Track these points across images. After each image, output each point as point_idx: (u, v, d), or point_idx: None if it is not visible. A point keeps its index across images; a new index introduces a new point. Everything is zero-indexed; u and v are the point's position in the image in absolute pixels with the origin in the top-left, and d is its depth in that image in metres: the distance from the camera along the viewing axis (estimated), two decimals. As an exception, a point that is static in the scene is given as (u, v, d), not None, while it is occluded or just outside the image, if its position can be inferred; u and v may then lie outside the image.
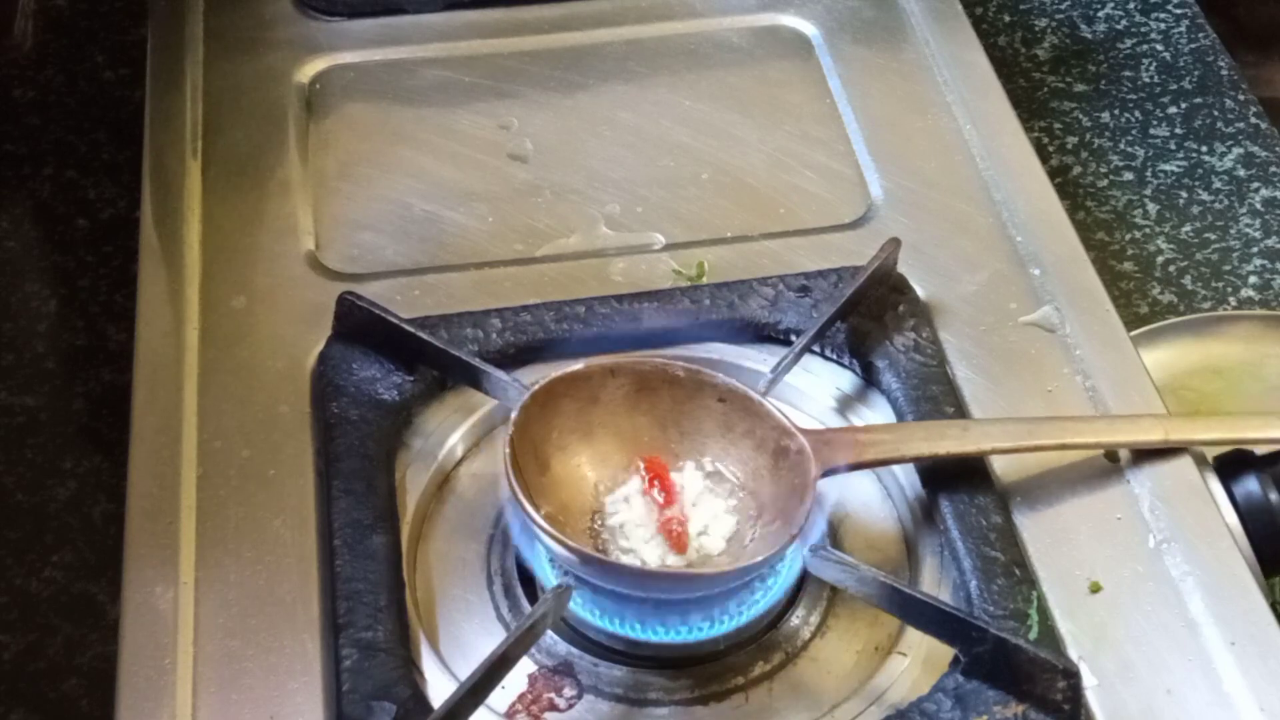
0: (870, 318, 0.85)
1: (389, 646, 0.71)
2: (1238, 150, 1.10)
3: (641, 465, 0.75)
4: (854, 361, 0.84)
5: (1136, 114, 1.12)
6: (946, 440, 0.77)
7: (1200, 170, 1.08)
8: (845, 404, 0.83)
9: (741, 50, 1.05)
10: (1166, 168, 1.09)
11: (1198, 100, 1.13)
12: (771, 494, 0.75)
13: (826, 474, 0.74)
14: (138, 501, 0.78)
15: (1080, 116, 1.12)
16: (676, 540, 0.73)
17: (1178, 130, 1.11)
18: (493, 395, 0.80)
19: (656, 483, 0.74)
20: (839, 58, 1.03)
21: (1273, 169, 1.08)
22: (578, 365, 0.77)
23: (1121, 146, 1.10)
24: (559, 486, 0.75)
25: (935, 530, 0.78)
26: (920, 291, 0.87)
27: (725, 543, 0.73)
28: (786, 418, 0.75)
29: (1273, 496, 0.78)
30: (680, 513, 0.74)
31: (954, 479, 0.78)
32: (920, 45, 1.04)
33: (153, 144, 0.96)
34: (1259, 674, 0.72)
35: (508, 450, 0.72)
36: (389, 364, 0.82)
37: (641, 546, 0.73)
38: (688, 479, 0.75)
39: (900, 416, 0.81)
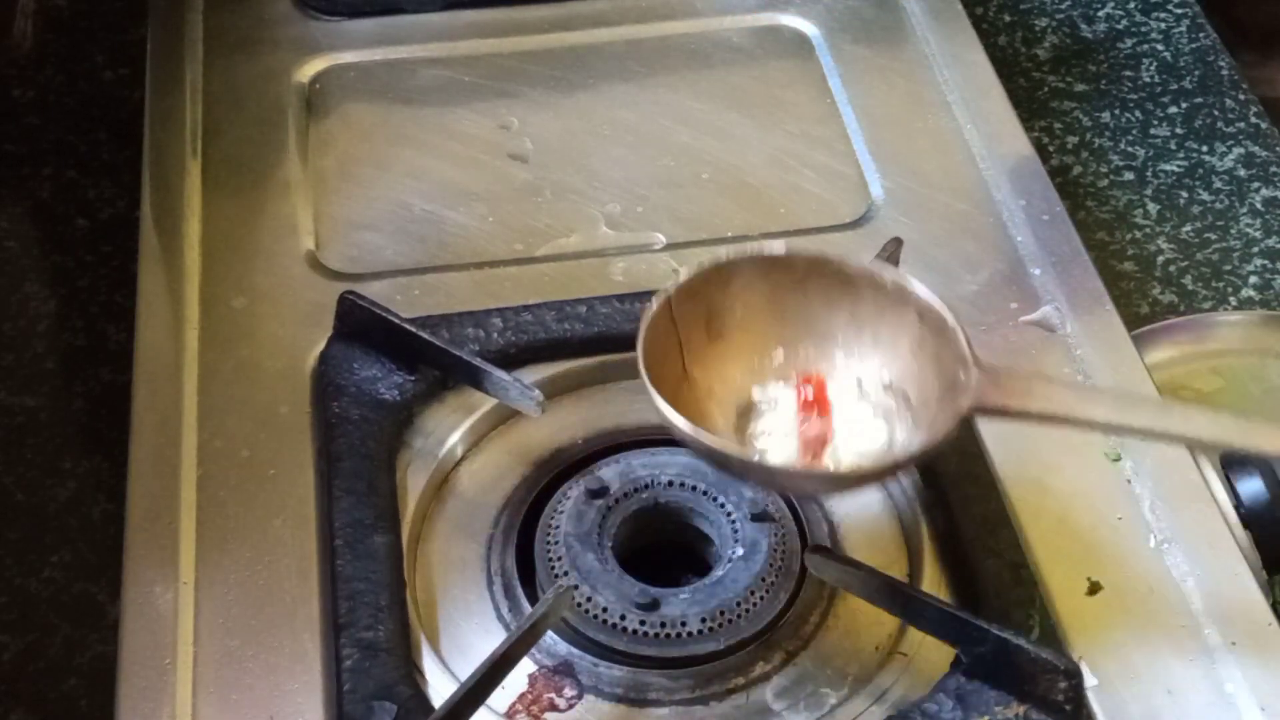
0: (871, 317, 0.84)
1: (390, 646, 0.71)
2: (1238, 150, 1.10)
3: (801, 379, 0.73)
4: (854, 361, 0.84)
5: (1137, 114, 1.12)
6: (1139, 413, 0.69)
7: (1200, 170, 1.08)
8: (846, 404, 0.83)
9: (741, 50, 1.05)
10: (1167, 167, 1.08)
11: (1198, 100, 1.13)
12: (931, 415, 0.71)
13: (980, 412, 0.70)
14: (138, 501, 0.78)
15: (1080, 116, 1.12)
16: (814, 449, 0.71)
17: (1178, 130, 1.11)
18: (494, 395, 0.80)
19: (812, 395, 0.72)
20: (839, 57, 1.03)
21: (1273, 169, 1.08)
22: (781, 251, 0.74)
23: (1122, 146, 1.10)
24: (725, 360, 0.73)
25: (935, 530, 0.78)
26: (921, 291, 0.87)
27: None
28: (970, 347, 0.70)
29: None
30: (828, 427, 0.72)
31: (955, 478, 0.78)
32: (920, 45, 1.04)
33: (153, 144, 0.96)
34: (1259, 674, 0.72)
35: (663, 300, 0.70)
36: (390, 364, 0.82)
37: (778, 440, 0.72)
38: (867, 389, 0.73)
39: (901, 416, 0.81)
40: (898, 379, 0.73)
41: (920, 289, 0.72)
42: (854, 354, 0.74)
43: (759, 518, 0.76)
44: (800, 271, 0.74)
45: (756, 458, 0.70)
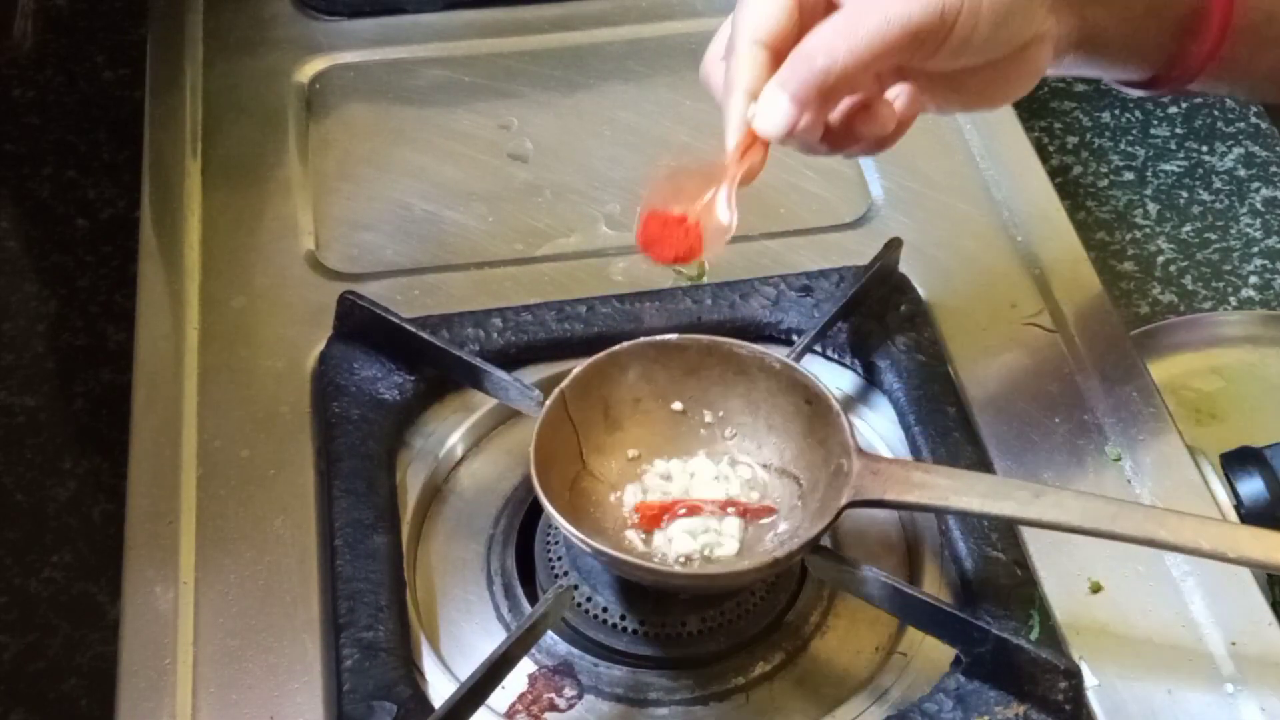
0: (872, 317, 0.85)
1: (390, 646, 0.71)
2: (1238, 150, 1.10)
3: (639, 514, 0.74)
4: (855, 361, 0.84)
5: (1137, 114, 1.12)
6: (1009, 502, 0.69)
7: (1200, 170, 1.08)
8: (846, 404, 0.83)
9: (742, 50, 1.05)
10: (1167, 168, 1.09)
11: (1198, 100, 1.13)
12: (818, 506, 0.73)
13: (859, 504, 0.71)
14: (138, 501, 0.78)
15: (1080, 116, 1.12)
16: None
17: (1178, 130, 1.11)
18: (494, 395, 0.80)
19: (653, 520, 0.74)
20: (839, 57, 1.03)
21: (1273, 169, 1.08)
22: (672, 336, 0.76)
23: (1122, 146, 1.10)
24: (622, 451, 0.75)
25: (935, 530, 0.78)
26: (921, 291, 0.87)
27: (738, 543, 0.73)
28: (854, 434, 0.72)
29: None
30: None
31: (954, 479, 0.77)
32: (920, 45, 1.04)
33: (153, 144, 0.97)
34: (1259, 674, 0.72)
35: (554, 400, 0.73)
36: (390, 364, 0.82)
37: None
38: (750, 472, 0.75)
39: (901, 416, 0.81)
40: (790, 463, 0.75)
41: (805, 374, 0.74)
42: (748, 438, 0.76)
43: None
44: (694, 358, 0.76)
45: (637, 560, 0.71)
